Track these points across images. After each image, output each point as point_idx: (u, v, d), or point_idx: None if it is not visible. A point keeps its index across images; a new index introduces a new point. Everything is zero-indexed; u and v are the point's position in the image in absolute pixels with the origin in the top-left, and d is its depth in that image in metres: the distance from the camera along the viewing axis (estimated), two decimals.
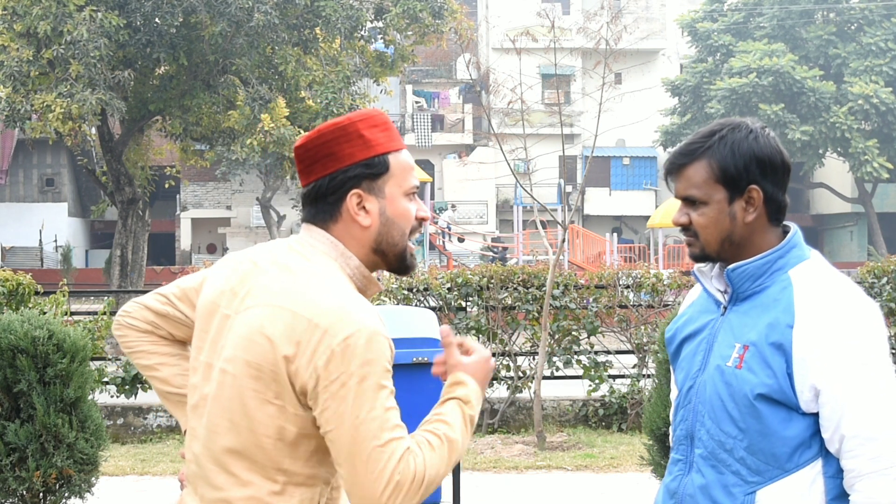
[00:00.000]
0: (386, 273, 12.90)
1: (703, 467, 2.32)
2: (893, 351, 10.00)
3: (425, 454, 2.05)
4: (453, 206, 36.19)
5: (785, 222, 2.38)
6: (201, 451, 2.17)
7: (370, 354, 2.03)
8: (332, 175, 2.18)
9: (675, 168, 2.37)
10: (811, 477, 2.23)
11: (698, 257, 2.38)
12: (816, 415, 2.23)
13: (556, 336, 9.98)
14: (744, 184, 2.30)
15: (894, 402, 2.19)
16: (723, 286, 2.38)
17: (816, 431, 2.24)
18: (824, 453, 2.24)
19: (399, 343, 6.29)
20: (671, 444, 2.48)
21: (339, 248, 2.18)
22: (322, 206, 2.19)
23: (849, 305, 2.23)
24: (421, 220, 2.25)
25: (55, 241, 37.51)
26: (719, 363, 2.31)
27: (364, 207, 2.18)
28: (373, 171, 2.18)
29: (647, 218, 35.53)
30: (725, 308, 2.36)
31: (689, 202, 2.35)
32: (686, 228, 2.36)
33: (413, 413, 6.52)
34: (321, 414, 2.03)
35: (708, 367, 2.34)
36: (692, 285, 2.77)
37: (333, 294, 2.09)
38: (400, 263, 2.24)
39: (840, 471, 2.23)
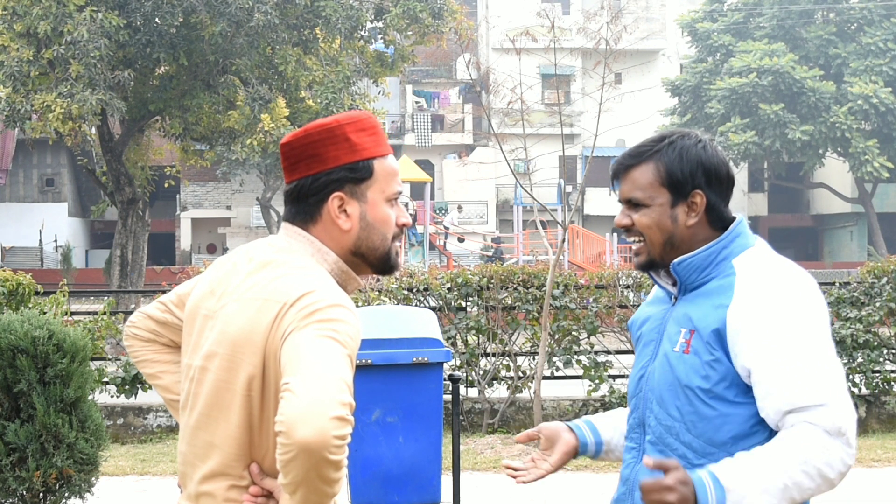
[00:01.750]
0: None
1: (652, 453, 2.34)
2: (893, 350, 10.01)
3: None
4: (459, 207, 36.06)
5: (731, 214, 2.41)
6: (187, 450, 2.20)
7: (334, 315, 2.02)
8: (316, 176, 2.18)
9: (623, 169, 2.39)
10: None
11: (644, 265, 2.40)
12: None
13: (556, 336, 9.98)
14: (688, 188, 2.33)
15: (831, 371, 2.17)
16: (671, 280, 2.42)
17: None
18: (769, 437, 2.24)
19: (399, 343, 6.29)
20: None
21: (315, 244, 2.19)
22: (303, 206, 2.21)
23: (781, 286, 2.23)
24: (402, 226, 2.25)
25: (55, 241, 37.52)
26: (667, 349, 2.34)
27: (345, 211, 2.18)
28: (356, 175, 2.19)
29: None
30: (676, 299, 2.40)
31: (631, 204, 2.37)
32: (629, 230, 2.38)
33: (413, 413, 6.54)
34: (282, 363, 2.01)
35: (658, 356, 2.37)
36: None
37: (304, 279, 2.10)
38: (383, 265, 2.24)
39: None
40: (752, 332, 2.20)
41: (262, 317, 2.08)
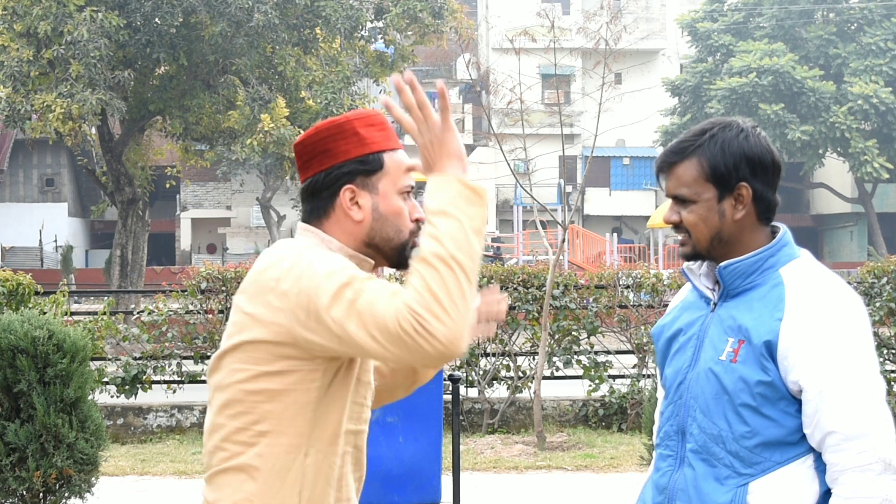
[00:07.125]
0: (386, 272, 12.86)
1: (695, 461, 2.33)
2: (893, 350, 10.01)
3: (414, 283, 1.94)
4: None
5: (775, 223, 2.40)
6: (204, 441, 2.22)
7: (313, 258, 2.06)
8: (328, 171, 2.21)
9: (666, 166, 2.39)
10: (803, 470, 2.24)
11: (689, 256, 2.40)
12: None
13: (556, 336, 9.98)
14: (733, 182, 2.32)
15: (877, 399, 2.21)
16: (711, 283, 2.40)
17: None
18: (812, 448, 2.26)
19: None
20: (655, 441, 2.49)
21: (319, 234, 2.20)
22: (317, 201, 2.22)
23: (834, 304, 2.24)
24: (417, 221, 2.24)
25: (55, 241, 37.51)
26: (712, 357, 2.32)
27: (357, 203, 2.20)
28: (367, 167, 2.20)
29: (647, 218, 35.52)
30: (715, 304, 2.38)
31: (679, 200, 2.37)
32: (677, 226, 2.38)
33: (413, 413, 6.54)
34: (317, 332, 2.01)
35: (699, 363, 2.35)
36: None
37: (290, 252, 2.12)
38: (399, 256, 2.24)
39: None
40: (806, 351, 2.20)
41: (258, 296, 2.12)
